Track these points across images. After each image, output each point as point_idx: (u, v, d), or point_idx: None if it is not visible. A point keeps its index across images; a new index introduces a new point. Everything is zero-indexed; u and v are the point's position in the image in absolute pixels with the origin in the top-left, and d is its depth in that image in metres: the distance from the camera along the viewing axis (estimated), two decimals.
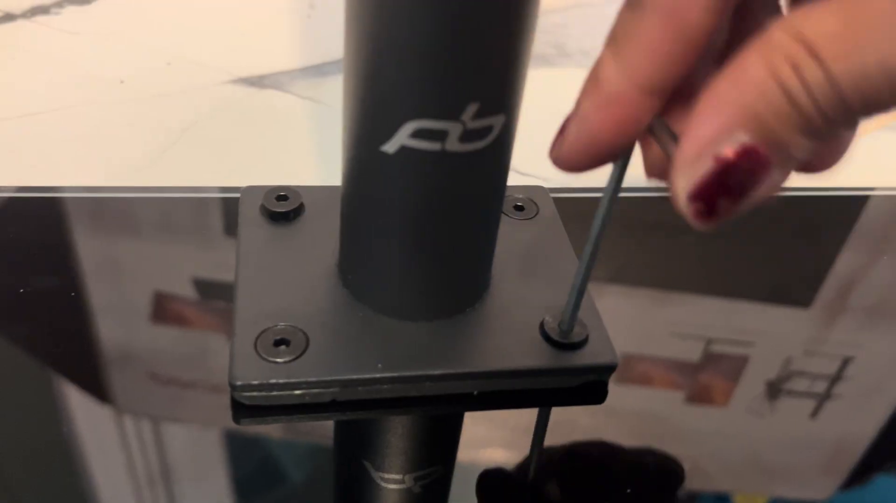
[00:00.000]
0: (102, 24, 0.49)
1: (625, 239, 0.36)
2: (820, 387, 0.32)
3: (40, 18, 0.49)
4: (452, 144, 0.22)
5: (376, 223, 0.25)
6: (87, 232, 0.34)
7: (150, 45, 0.48)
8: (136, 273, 0.33)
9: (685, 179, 0.17)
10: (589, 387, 0.28)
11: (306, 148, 0.41)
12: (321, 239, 0.30)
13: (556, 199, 0.34)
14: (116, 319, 0.30)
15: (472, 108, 0.22)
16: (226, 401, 0.27)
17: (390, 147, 0.23)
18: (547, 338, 0.27)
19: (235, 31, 0.50)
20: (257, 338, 0.26)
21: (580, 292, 0.26)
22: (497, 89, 0.22)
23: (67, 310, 0.30)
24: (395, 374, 0.26)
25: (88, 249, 0.33)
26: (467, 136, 0.22)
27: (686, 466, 0.28)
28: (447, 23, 0.20)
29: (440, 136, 0.22)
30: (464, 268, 0.27)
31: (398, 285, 0.27)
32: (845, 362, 0.33)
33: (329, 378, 0.25)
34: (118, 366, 0.29)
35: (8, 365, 0.28)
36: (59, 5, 0.50)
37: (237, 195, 0.33)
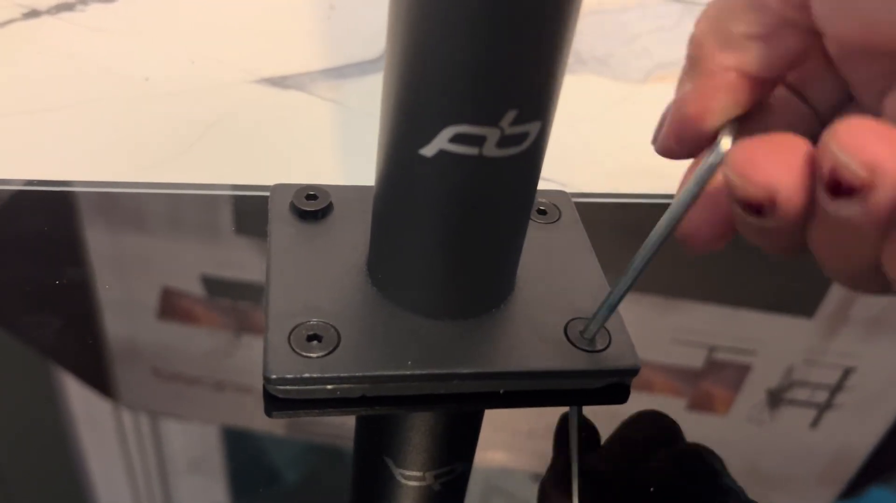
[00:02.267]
0: (127, 22, 0.50)
1: (631, 247, 0.37)
2: (820, 397, 0.32)
3: (65, 15, 0.50)
4: (490, 149, 0.23)
5: (409, 224, 0.26)
6: (100, 226, 0.35)
7: (174, 43, 0.49)
8: (144, 269, 0.33)
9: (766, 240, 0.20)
10: (611, 387, 0.29)
11: (326, 148, 0.42)
12: (350, 237, 0.31)
13: (576, 204, 0.35)
14: (124, 315, 0.31)
15: (510, 115, 0.22)
16: (231, 398, 0.28)
17: (429, 151, 0.23)
18: (571, 340, 0.28)
19: (258, 31, 0.51)
20: (291, 333, 0.27)
21: (613, 306, 0.26)
22: (535, 97, 0.23)
23: (75, 305, 0.31)
24: (424, 372, 0.26)
25: (97, 244, 0.34)
26: (504, 141, 0.23)
27: None
28: (490, 31, 0.21)
29: (478, 141, 0.23)
30: (493, 270, 0.28)
31: (429, 284, 0.27)
32: (846, 373, 0.33)
33: (361, 374, 0.26)
34: (125, 361, 0.29)
35: (14, 358, 0.29)
36: (84, 2, 0.51)
37: (250, 193, 0.33)
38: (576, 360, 0.27)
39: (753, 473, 0.29)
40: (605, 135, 0.45)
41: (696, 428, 0.30)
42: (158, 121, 0.42)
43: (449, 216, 0.25)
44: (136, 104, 0.43)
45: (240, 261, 0.33)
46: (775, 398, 0.32)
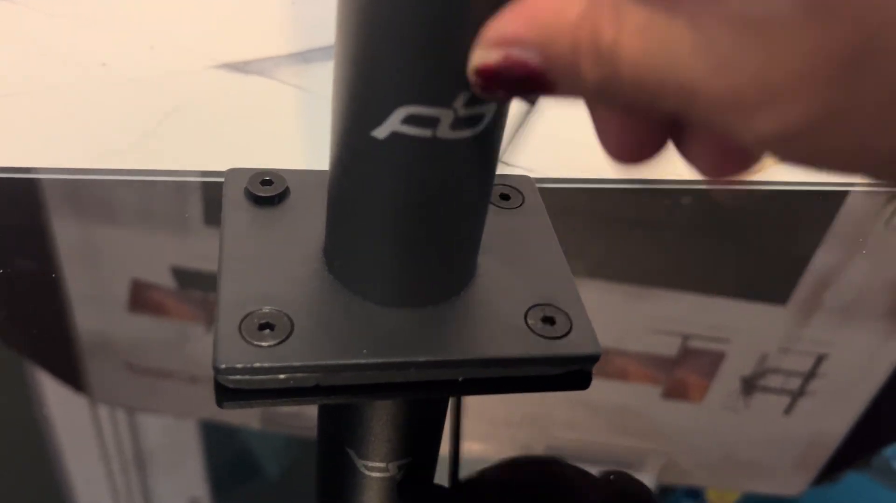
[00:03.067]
0: (82, 6, 0.48)
1: (603, 234, 0.36)
2: (794, 384, 0.32)
3: None
4: (443, 131, 0.22)
5: (364, 209, 0.25)
6: (64, 215, 0.34)
7: (132, 27, 0.47)
8: (112, 259, 0.32)
9: (478, 56, 0.19)
10: (573, 374, 0.28)
11: (290, 134, 0.41)
12: (306, 223, 0.30)
13: (541, 190, 0.34)
14: (92, 306, 0.30)
15: (463, 96, 0.22)
16: (203, 391, 0.27)
17: (381, 132, 0.23)
18: (531, 327, 0.27)
19: (219, 15, 0.50)
20: (242, 322, 0.26)
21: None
22: None
23: (42, 296, 0.30)
24: (379, 360, 0.26)
25: (64, 233, 0.33)
26: (458, 123, 0.22)
27: (661, 461, 0.28)
28: (442, 7, 0.20)
29: (431, 122, 0.22)
30: (451, 256, 0.27)
31: (385, 272, 0.27)
32: (819, 360, 0.33)
33: (313, 363, 0.25)
34: (94, 353, 0.28)
35: None
36: None
37: (219, 179, 0.32)
38: (535, 347, 0.27)
39: (728, 460, 0.29)
40: (574, 122, 0.45)
41: (670, 415, 0.30)
42: (117, 108, 0.41)
43: (404, 200, 0.24)
44: (94, 91, 0.42)
45: (208, 251, 0.33)
46: (749, 385, 0.32)
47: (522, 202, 0.33)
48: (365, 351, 0.26)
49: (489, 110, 0.23)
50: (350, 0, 0.21)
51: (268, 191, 0.31)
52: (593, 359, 0.28)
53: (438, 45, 0.21)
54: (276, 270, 0.28)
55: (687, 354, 0.33)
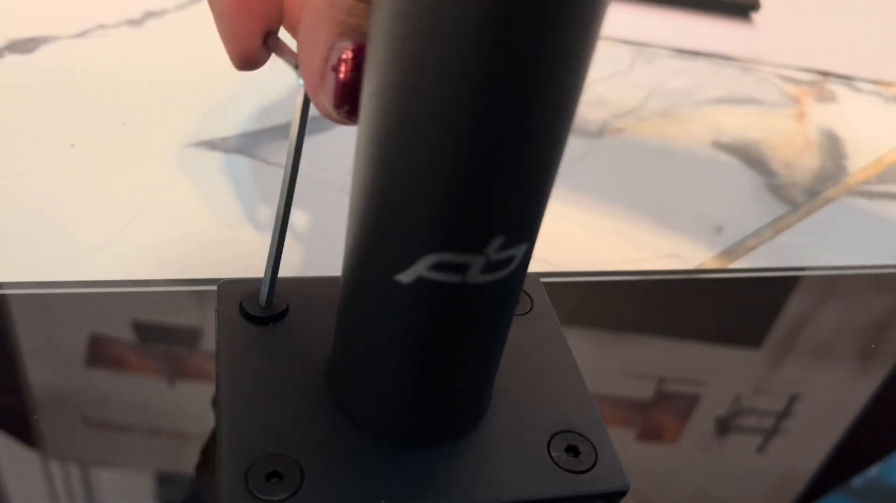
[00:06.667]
0: (48, 77, 0.46)
1: (579, 281, 0.36)
2: (767, 423, 0.32)
3: None
4: (473, 276, 0.21)
5: (381, 350, 0.23)
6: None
7: (101, 101, 0.45)
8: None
9: (325, 98, 0.20)
10: None
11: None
12: (308, 345, 0.28)
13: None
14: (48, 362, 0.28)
15: (497, 241, 0.20)
16: (165, 444, 0.26)
17: (405, 277, 0.21)
18: (555, 460, 0.26)
19: (193, 88, 0.48)
20: (248, 472, 0.24)
21: (276, 262, 0.27)
22: (525, 220, 0.20)
23: None
24: None
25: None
26: (489, 267, 0.21)
27: (633, 500, 0.28)
28: (483, 154, 0.18)
29: (461, 268, 0.20)
30: (472, 391, 0.25)
31: (403, 412, 0.25)
32: (792, 399, 0.33)
33: None
34: (49, 409, 0.27)
35: None
36: None
37: (203, 288, 0.30)
38: (561, 485, 0.25)
39: (702, 497, 0.28)
40: (571, 200, 0.44)
41: (646, 457, 0.29)
42: (89, 196, 0.38)
43: (426, 343, 0.23)
44: (63, 177, 0.39)
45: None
46: (723, 426, 0.32)
47: (531, 307, 0.31)
48: (384, 501, 0.24)
49: (520, 251, 0.21)
50: (374, 144, 0.19)
51: (266, 310, 0.28)
52: (621, 494, 0.26)
53: (473, 191, 0.19)
54: (279, 406, 0.26)
55: (662, 397, 0.32)
